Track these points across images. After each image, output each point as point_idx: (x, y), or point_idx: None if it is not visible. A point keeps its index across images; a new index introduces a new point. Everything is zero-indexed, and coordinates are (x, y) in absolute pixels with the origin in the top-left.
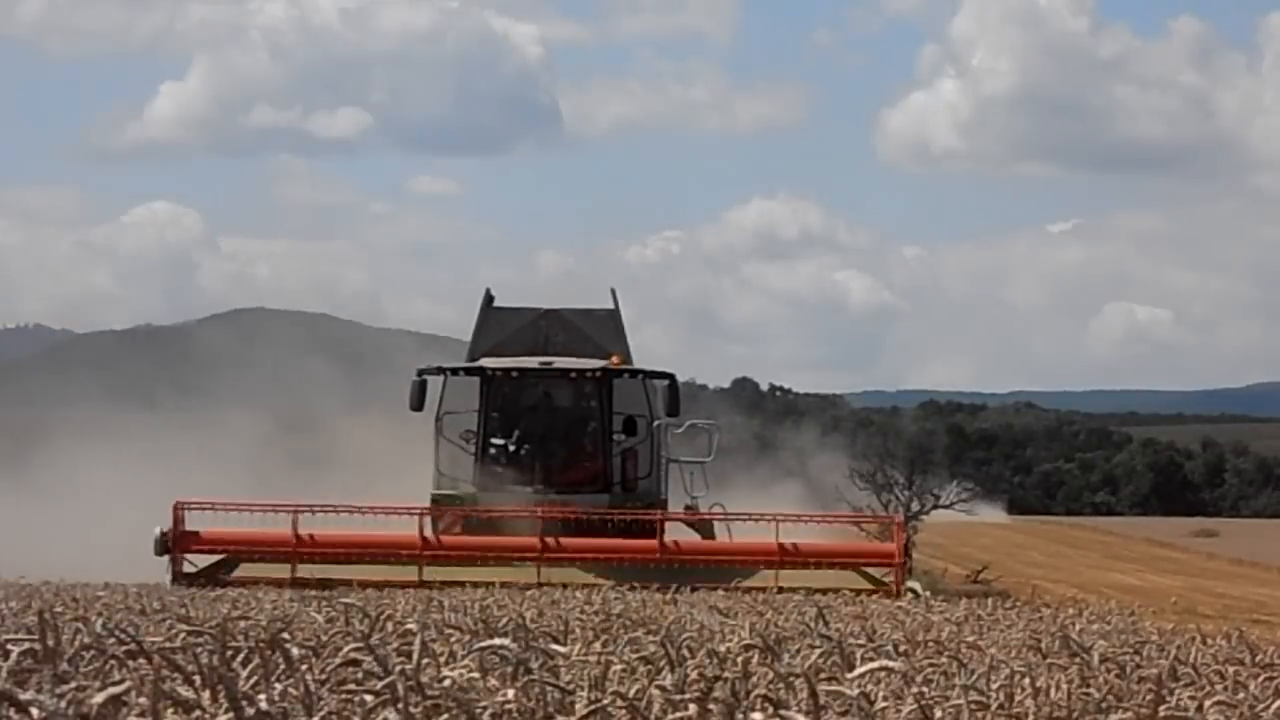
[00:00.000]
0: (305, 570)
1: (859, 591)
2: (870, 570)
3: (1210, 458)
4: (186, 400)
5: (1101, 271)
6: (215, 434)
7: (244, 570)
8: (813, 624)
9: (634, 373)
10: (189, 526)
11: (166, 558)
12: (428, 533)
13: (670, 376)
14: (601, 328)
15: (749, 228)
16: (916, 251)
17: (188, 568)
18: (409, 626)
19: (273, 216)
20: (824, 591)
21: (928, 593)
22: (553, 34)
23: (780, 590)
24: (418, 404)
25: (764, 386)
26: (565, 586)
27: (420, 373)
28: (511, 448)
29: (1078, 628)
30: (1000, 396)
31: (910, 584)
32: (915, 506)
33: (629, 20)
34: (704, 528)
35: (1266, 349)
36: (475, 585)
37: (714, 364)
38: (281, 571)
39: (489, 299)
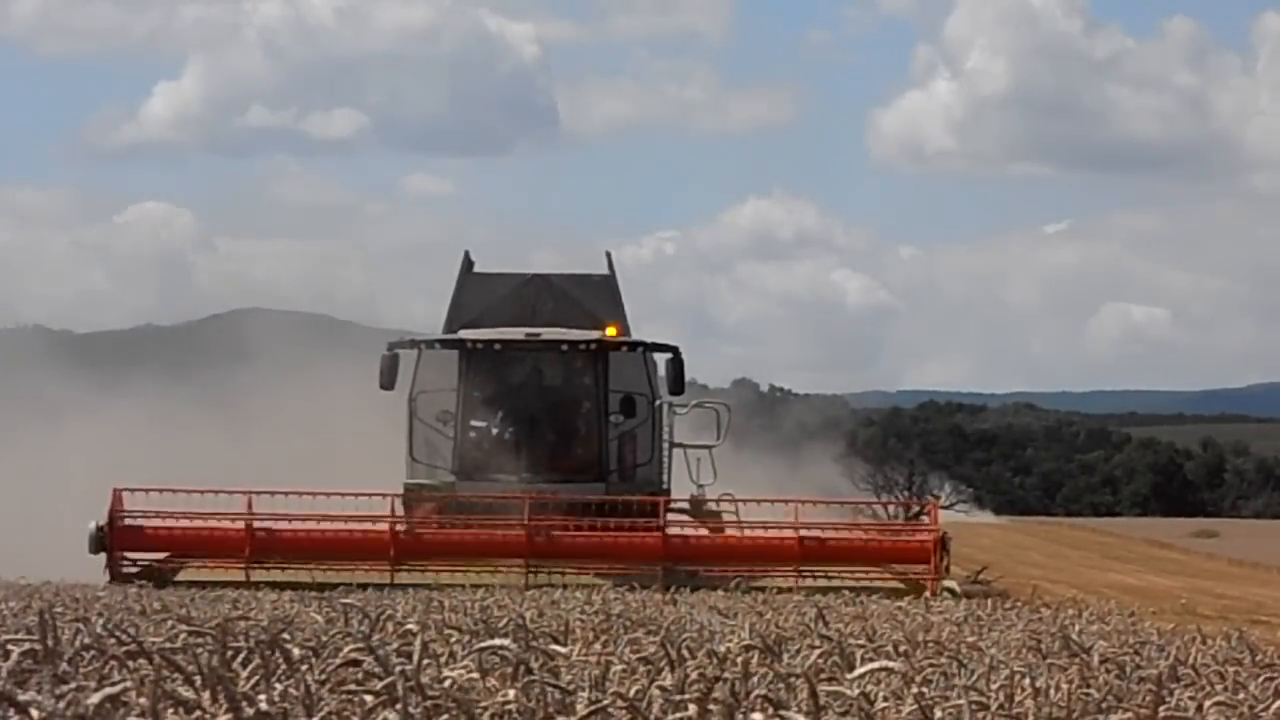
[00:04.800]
0: (260, 571)
1: (892, 592)
2: (902, 568)
3: (1210, 458)
4: (182, 400)
5: (1098, 272)
6: (199, 432)
7: (192, 571)
8: (813, 624)
9: (633, 345)
10: (131, 519)
11: (103, 556)
12: (400, 527)
13: (674, 350)
14: (596, 295)
15: (745, 228)
16: (912, 252)
17: (128, 567)
18: (409, 627)
19: (269, 217)
20: (852, 590)
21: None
22: (548, 34)
23: (804, 589)
24: (389, 381)
25: (764, 387)
26: (565, 586)
27: (391, 346)
28: (495, 430)
29: (1078, 628)
30: (1000, 397)
31: (947, 583)
32: (915, 507)
33: (625, 20)
34: (712, 521)
35: (1265, 349)
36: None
37: (712, 364)
38: (235, 572)
39: (468, 263)
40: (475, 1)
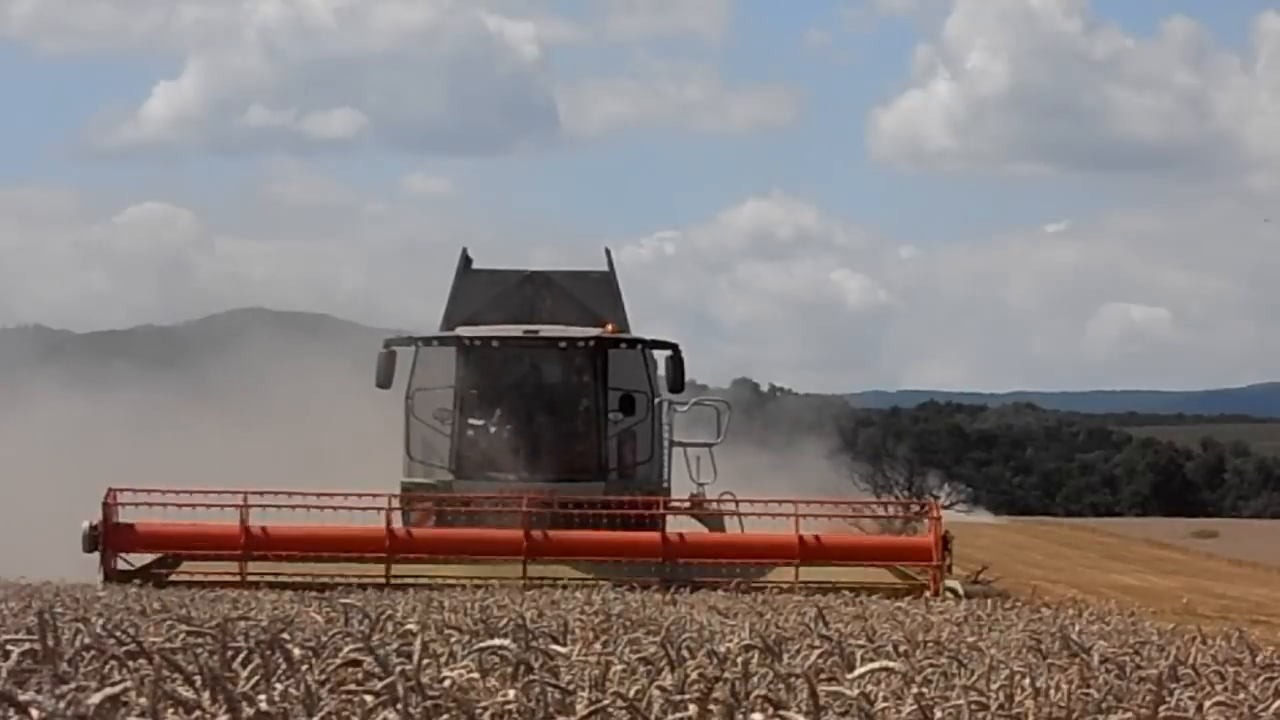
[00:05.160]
0: (256, 569)
1: (895, 593)
2: (904, 568)
3: (1210, 458)
4: (181, 400)
5: (1098, 271)
6: (189, 432)
7: (187, 570)
8: (813, 624)
9: (632, 342)
10: (124, 518)
11: (96, 555)
12: (396, 525)
13: (673, 347)
14: (595, 292)
15: (744, 228)
16: (912, 252)
17: (123, 565)
18: (409, 627)
19: (269, 217)
20: (854, 590)
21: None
22: (548, 34)
23: (804, 588)
24: (385, 379)
25: (764, 387)
26: (565, 587)
27: (388, 343)
28: (492, 429)
29: (1078, 628)
30: (1000, 397)
31: (950, 583)
32: (914, 507)
33: (624, 20)
34: (712, 519)
35: (1265, 349)
36: (451, 586)
37: (712, 364)
38: (229, 570)
39: (466, 260)
40: (474, 1)
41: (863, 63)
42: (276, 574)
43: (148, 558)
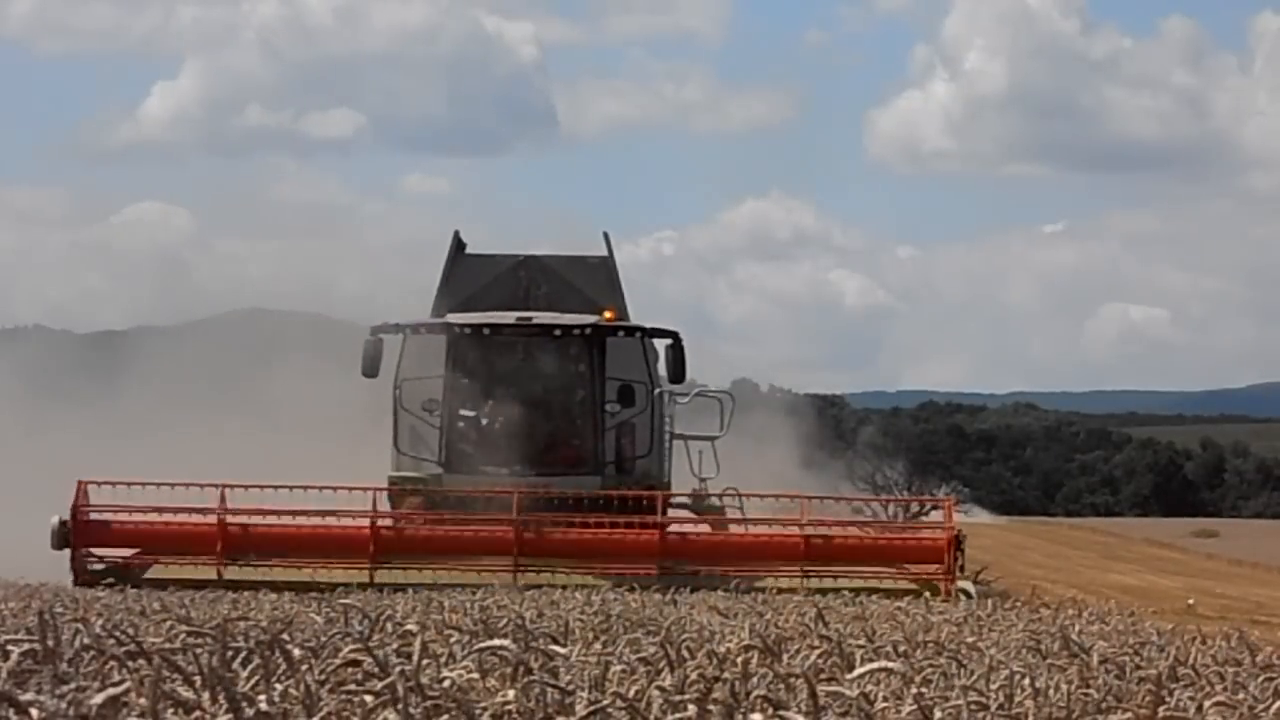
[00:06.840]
0: (235, 569)
1: (895, 592)
2: (914, 568)
3: (1210, 458)
4: (180, 400)
5: (1097, 272)
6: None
7: (162, 570)
8: (813, 624)
9: (631, 330)
10: (96, 513)
11: (67, 552)
12: (383, 523)
13: (674, 335)
14: (592, 277)
15: (742, 228)
16: (910, 252)
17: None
18: (409, 627)
19: (267, 217)
20: (857, 592)
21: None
22: (546, 34)
23: (809, 589)
24: (372, 368)
25: (764, 387)
26: (564, 588)
27: (374, 331)
28: (484, 420)
29: (1077, 628)
30: (999, 397)
31: (962, 584)
32: (914, 507)
33: (622, 20)
34: (714, 516)
35: (1265, 349)
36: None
37: (711, 365)
38: (206, 570)
39: (459, 244)
40: (473, 2)
41: (861, 63)
42: (254, 575)
43: (121, 554)
